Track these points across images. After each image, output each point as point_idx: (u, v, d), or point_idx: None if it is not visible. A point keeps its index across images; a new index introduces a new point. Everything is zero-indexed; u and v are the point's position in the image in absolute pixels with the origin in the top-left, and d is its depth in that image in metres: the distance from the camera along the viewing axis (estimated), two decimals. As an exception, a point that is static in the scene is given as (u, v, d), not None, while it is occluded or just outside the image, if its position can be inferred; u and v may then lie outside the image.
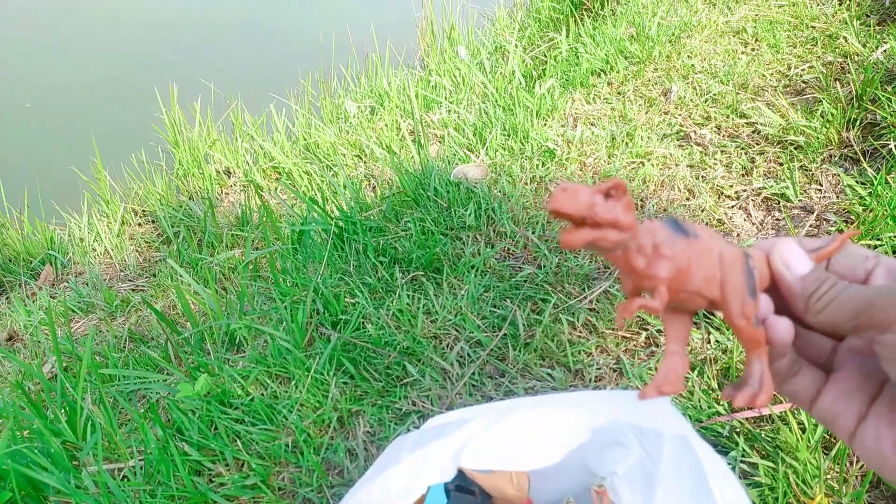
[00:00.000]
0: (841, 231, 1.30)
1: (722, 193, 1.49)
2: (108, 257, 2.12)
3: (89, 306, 1.77)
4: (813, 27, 2.03)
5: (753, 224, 1.40)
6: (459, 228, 1.51)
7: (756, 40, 2.07)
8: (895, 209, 1.25)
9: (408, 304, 1.32)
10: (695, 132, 1.70)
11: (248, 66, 3.32)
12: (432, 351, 1.21)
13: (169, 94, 2.53)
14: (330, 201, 1.77)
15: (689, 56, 2.07)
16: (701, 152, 1.62)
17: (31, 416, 1.21)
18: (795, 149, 1.55)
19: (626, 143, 1.71)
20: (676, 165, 1.60)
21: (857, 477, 0.89)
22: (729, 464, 0.73)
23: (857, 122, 1.54)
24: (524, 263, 1.39)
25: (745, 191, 1.49)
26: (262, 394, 1.21)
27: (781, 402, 0.97)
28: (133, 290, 1.85)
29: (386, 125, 2.21)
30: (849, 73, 1.72)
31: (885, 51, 1.74)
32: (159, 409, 1.27)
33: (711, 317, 1.15)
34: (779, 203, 1.43)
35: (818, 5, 2.13)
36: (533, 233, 1.45)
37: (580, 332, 1.21)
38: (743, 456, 0.92)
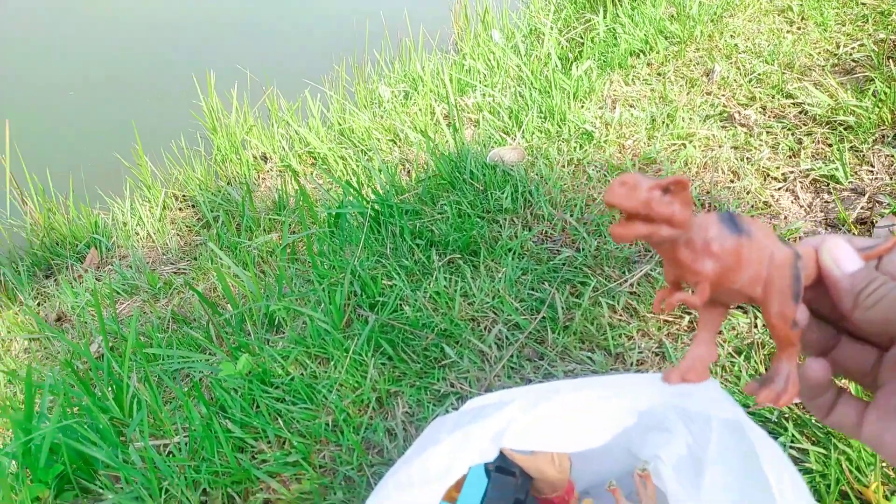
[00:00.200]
0: (895, 214, 1.25)
1: (768, 175, 1.45)
2: (150, 241, 2.17)
3: (133, 288, 1.82)
4: (863, 4, 1.95)
5: (801, 206, 1.36)
6: (496, 211, 1.50)
7: (802, 19, 1.99)
8: (954, 190, 1.19)
9: (445, 286, 1.32)
10: (739, 113, 1.65)
11: (283, 54, 3.35)
12: (470, 333, 1.21)
13: (207, 82, 2.57)
14: (365, 185, 1.77)
15: (731, 35, 2.00)
16: (745, 133, 1.57)
17: (80, 394, 1.25)
18: (845, 129, 1.49)
19: (667, 125, 1.67)
20: (720, 147, 1.55)
21: (912, 465, 0.86)
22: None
23: (913, 101, 1.48)
24: (562, 246, 1.38)
25: (792, 172, 1.44)
26: (302, 373, 1.23)
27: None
28: (175, 272, 1.89)
29: (420, 109, 2.20)
30: (903, 49, 1.65)
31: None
32: (202, 387, 1.30)
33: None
34: (828, 185, 1.39)
35: (870, -20, 2.05)
36: (571, 215, 1.43)
37: (621, 315, 1.19)
38: (792, 441, 0.90)
